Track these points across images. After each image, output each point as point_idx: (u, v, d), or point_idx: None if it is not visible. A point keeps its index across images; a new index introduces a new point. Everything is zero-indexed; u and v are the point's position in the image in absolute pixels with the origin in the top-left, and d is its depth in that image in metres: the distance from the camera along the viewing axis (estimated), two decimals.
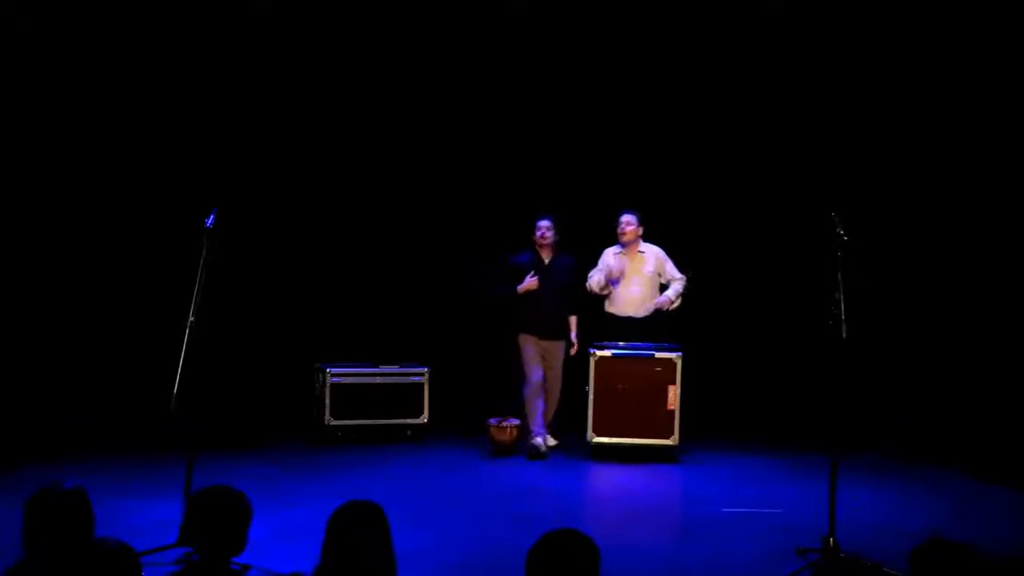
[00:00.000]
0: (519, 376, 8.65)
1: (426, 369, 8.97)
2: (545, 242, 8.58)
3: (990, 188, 9.21)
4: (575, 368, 8.52)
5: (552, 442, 8.60)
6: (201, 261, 5.58)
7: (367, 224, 9.58)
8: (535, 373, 8.53)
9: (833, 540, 5.50)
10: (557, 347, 8.66)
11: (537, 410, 8.46)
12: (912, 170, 9.46)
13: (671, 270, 8.55)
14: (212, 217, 5.70)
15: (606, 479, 7.81)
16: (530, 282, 8.48)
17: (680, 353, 8.21)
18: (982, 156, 9.26)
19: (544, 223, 8.57)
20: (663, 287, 8.58)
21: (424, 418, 8.93)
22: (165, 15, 8.87)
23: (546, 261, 8.60)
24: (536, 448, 8.29)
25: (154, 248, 8.80)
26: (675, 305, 8.51)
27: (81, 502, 3.38)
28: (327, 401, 8.69)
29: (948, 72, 9.26)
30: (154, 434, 7.72)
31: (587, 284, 8.53)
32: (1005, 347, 8.99)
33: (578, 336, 8.69)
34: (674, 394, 8.17)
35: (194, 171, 8.94)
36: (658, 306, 8.46)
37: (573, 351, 8.70)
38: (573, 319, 8.75)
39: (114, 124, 8.94)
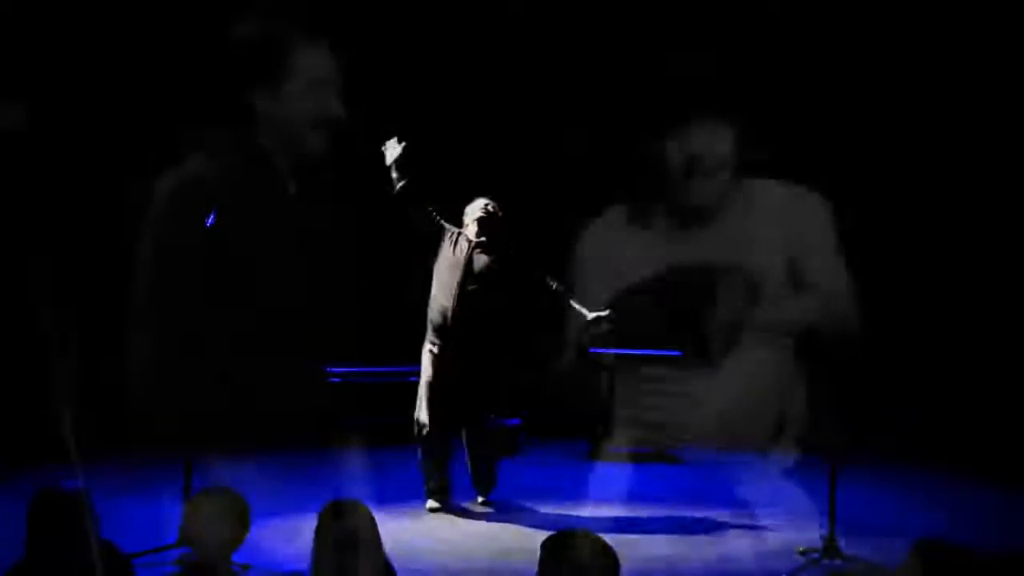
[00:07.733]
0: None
1: None
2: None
3: (999, 183, 9.20)
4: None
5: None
6: (202, 260, 5.59)
7: (367, 223, 9.56)
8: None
9: (833, 540, 5.51)
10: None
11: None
12: (918, 165, 9.42)
13: None
14: (212, 217, 5.71)
15: (606, 479, 7.80)
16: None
17: (680, 353, 8.22)
18: (983, 154, 9.25)
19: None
20: None
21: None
22: (161, 9, 8.88)
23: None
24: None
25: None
26: None
27: (82, 502, 3.38)
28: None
29: (947, 69, 9.28)
30: (154, 434, 7.73)
31: None
32: (1006, 346, 8.99)
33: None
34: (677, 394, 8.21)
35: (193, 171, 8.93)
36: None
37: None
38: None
39: (112, 121, 8.94)
